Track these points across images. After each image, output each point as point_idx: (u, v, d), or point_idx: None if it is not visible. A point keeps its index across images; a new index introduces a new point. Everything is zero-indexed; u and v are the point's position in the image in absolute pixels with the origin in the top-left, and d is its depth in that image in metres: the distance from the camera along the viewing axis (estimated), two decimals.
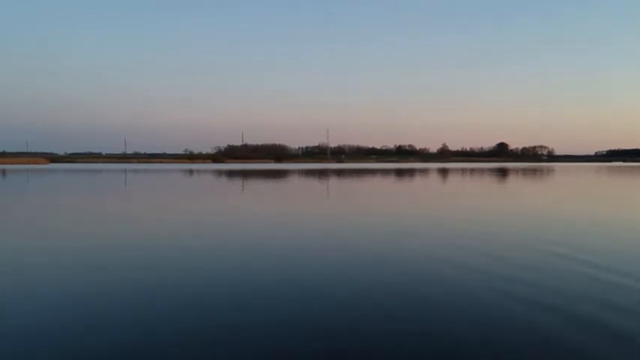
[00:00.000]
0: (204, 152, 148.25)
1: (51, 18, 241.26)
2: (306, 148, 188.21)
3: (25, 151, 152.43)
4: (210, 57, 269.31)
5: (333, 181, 36.24)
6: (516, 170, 59.91)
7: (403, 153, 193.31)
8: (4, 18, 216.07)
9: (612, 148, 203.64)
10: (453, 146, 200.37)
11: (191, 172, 46.29)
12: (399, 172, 53.22)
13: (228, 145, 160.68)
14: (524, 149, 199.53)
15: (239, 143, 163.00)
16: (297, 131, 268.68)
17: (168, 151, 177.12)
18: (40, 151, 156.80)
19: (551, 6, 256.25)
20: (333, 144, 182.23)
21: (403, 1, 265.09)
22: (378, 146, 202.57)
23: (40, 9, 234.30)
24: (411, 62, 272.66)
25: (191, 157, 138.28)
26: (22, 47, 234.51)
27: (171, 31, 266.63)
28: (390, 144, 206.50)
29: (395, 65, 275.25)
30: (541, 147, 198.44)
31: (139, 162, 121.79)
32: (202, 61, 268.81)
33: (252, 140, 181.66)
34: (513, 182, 37.16)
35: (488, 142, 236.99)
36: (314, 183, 35.14)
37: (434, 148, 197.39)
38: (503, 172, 52.06)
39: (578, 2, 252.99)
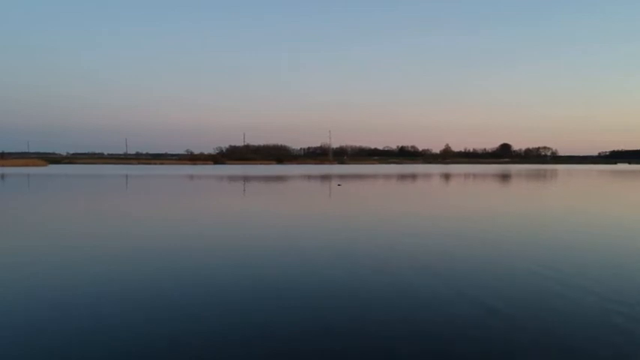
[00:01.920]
0: (205, 152, 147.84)
1: (51, 18, 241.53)
2: (308, 148, 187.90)
3: (27, 151, 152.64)
4: (212, 57, 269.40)
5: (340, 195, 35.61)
6: (520, 174, 59.31)
7: (406, 154, 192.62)
8: (5, 18, 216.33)
9: (615, 149, 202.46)
10: (456, 147, 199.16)
11: (192, 177, 46.16)
12: (403, 177, 52.81)
13: (230, 146, 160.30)
14: (527, 150, 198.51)
15: (241, 144, 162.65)
16: (299, 132, 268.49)
17: (170, 152, 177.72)
18: (41, 151, 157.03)
19: (553, 6, 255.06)
20: (335, 145, 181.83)
21: (404, 1, 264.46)
22: (380, 147, 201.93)
23: (40, 9, 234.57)
24: (414, 62, 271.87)
25: (192, 157, 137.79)
26: (22, 47, 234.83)
27: (172, 31, 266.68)
28: (393, 145, 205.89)
29: (397, 65, 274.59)
30: (544, 148, 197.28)
31: (139, 163, 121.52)
32: (204, 61, 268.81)
33: (254, 141, 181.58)
34: (519, 191, 36.64)
35: (492, 143, 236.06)
36: (319, 188, 34.60)
37: (437, 148, 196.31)
38: (506, 178, 51.51)
39: (579, 3, 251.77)
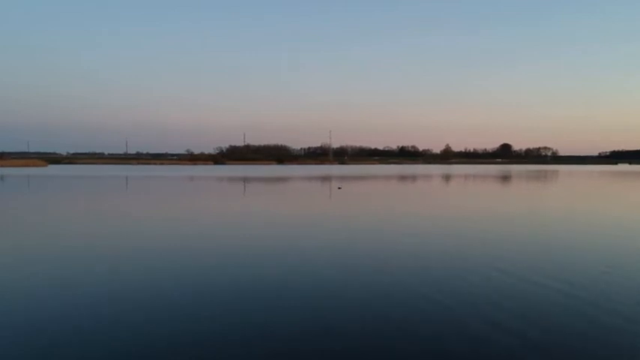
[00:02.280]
0: (205, 152, 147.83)
1: (51, 18, 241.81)
2: (309, 148, 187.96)
3: (27, 151, 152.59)
4: (212, 57, 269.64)
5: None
6: (520, 175, 59.23)
7: (406, 154, 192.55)
8: (5, 18, 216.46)
9: (615, 149, 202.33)
10: (456, 147, 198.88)
11: (192, 178, 46.10)
12: (403, 178, 52.78)
13: (230, 146, 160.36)
14: (527, 150, 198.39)
15: (241, 144, 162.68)
16: (299, 132, 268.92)
17: (170, 152, 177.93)
18: (41, 151, 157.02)
19: (553, 6, 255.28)
20: (335, 145, 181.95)
21: (404, 1, 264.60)
22: (380, 147, 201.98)
23: (40, 9, 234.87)
24: (414, 62, 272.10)
25: (192, 157, 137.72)
26: (22, 47, 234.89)
27: (172, 31, 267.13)
28: (393, 145, 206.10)
29: (397, 65, 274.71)
30: (545, 148, 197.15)
31: (139, 163, 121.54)
32: (204, 61, 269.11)
33: (254, 141, 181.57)
34: (519, 192, 36.52)
35: (492, 143, 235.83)
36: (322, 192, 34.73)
37: (437, 149, 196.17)
38: (507, 178, 51.44)
39: (579, 3, 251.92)
